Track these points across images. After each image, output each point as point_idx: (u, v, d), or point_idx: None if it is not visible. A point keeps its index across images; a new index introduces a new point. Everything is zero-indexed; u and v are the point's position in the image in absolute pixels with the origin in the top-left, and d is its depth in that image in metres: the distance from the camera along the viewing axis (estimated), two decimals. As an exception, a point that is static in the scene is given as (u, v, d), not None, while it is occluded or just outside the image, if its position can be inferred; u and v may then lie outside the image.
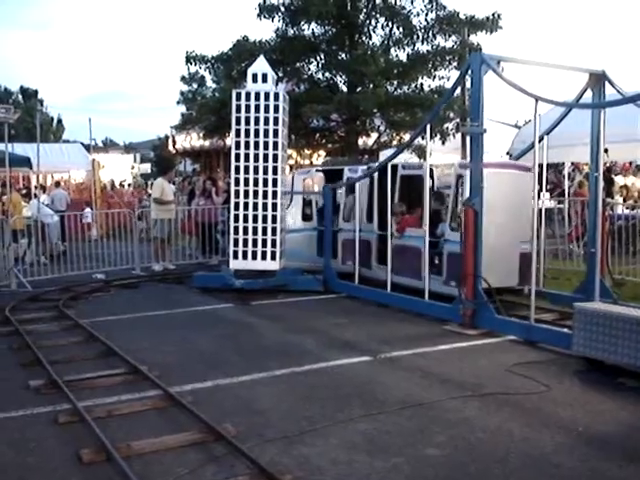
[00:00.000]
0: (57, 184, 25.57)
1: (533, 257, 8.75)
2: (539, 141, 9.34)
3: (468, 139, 11.34)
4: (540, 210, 9.21)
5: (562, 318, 9.42)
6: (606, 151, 10.43)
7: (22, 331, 9.15)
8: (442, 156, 20.66)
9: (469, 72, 9.62)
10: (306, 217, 13.93)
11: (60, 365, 7.51)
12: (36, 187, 22.61)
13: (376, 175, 12.34)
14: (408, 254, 11.20)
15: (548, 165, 11.34)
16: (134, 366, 7.35)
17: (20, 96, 59.32)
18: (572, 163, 19.53)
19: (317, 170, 15.24)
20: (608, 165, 17.59)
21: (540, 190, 10.26)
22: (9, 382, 7.14)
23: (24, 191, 23.28)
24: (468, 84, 11.98)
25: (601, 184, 9.89)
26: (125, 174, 39.95)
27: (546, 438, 5.46)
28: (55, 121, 62.07)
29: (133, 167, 45.29)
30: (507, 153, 18.12)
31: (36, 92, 61.10)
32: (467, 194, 10.02)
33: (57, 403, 6.34)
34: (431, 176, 11.60)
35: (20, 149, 22.20)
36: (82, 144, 30.91)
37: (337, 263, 12.94)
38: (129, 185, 36.85)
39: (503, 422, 5.81)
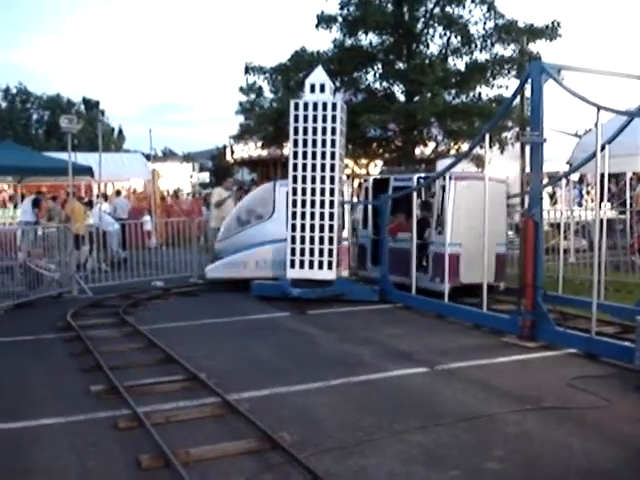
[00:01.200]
0: (118, 193, 26.07)
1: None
2: (600, 150, 9.17)
3: (528, 148, 11.24)
4: (601, 221, 9.02)
5: (624, 331, 9.22)
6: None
7: (83, 337, 9.34)
8: (501, 165, 20.44)
9: (529, 81, 9.52)
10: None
11: (120, 371, 7.64)
12: (98, 196, 23.07)
13: (370, 185, 14.24)
14: (399, 255, 12.55)
15: (609, 175, 11.18)
16: (193, 373, 7.43)
17: (82, 107, 60.53)
18: (634, 173, 19.13)
19: None
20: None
21: (601, 200, 10.08)
22: (71, 387, 7.30)
23: (86, 199, 23.75)
24: (527, 93, 11.87)
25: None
26: (184, 183, 40.49)
27: (608, 454, 5.34)
28: (116, 131, 63.24)
29: (192, 176, 45.91)
30: (567, 163, 17.84)
31: (97, 103, 62.39)
32: (451, 204, 11.95)
33: (117, 408, 6.45)
34: (421, 187, 13.08)
35: (82, 158, 22.64)
36: (142, 154, 31.40)
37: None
38: (187, 194, 37.33)
39: (563, 437, 5.71)
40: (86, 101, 61.51)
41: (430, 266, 12.33)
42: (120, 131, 64.17)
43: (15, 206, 22.71)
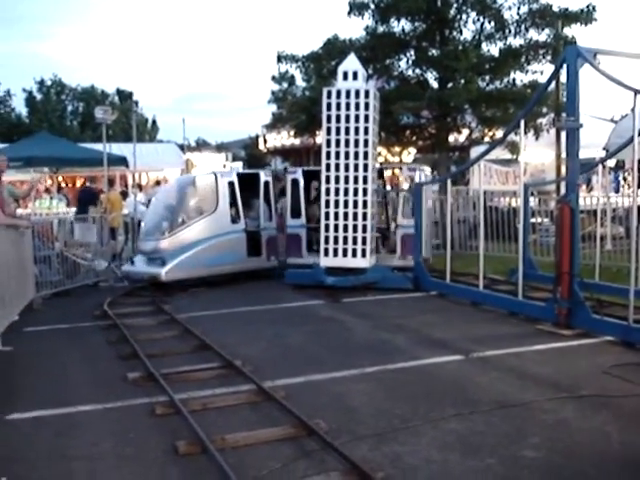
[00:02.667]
0: (157, 183, 26.25)
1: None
2: (638, 135, 9.01)
3: (563, 134, 11.12)
4: (638, 207, 8.88)
5: (662, 319, 9.08)
6: None
7: (120, 325, 9.45)
8: (536, 152, 20.23)
9: (564, 66, 9.40)
10: (233, 220, 13.77)
11: (156, 358, 7.73)
12: (132, 186, 23.28)
13: (301, 177, 14.27)
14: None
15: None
16: (228, 360, 7.49)
17: (116, 98, 60.81)
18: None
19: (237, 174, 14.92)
20: None
21: (638, 187, 9.92)
22: (108, 374, 7.40)
23: (119, 190, 23.98)
24: (562, 78, 11.72)
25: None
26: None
27: (646, 442, 5.28)
28: (150, 122, 63.48)
29: (225, 166, 46.03)
30: (604, 148, 17.61)
31: (131, 94, 62.61)
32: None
33: (154, 395, 6.53)
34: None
35: (117, 149, 22.84)
36: (176, 144, 31.58)
37: (262, 260, 14.11)
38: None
39: (600, 425, 5.66)
40: (120, 92, 61.69)
41: (398, 246, 13.86)
42: (154, 122, 64.32)
43: (51, 197, 22.97)
